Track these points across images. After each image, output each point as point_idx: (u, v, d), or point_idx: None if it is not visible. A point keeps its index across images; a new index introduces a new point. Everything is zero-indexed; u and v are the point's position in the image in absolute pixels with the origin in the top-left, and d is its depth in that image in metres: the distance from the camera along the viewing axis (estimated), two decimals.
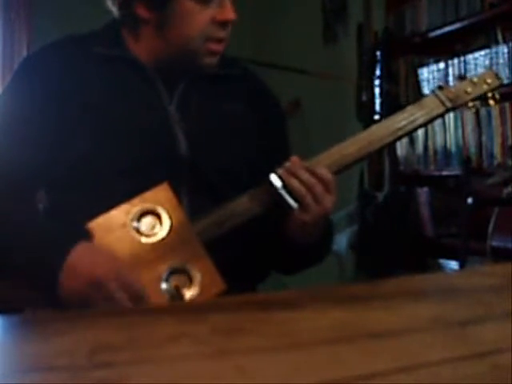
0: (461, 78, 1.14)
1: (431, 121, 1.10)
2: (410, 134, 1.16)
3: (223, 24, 1.07)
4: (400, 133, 1.07)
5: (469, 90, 1.11)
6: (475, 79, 1.13)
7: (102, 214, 0.97)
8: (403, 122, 1.07)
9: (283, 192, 1.00)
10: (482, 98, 1.14)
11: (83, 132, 1.04)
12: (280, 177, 1.01)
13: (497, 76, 1.14)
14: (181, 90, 1.10)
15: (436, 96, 1.09)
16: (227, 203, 1.02)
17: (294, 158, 1.03)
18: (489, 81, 1.13)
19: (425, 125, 1.10)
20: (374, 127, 1.08)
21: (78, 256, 0.92)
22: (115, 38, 1.11)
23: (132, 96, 1.08)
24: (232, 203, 1.03)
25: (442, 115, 1.10)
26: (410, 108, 1.09)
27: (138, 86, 1.09)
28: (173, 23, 1.05)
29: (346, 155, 1.05)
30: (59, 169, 1.05)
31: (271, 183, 1.01)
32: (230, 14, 1.06)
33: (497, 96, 1.14)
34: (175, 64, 1.10)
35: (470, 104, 1.12)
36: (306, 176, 0.99)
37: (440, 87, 1.11)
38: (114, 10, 1.10)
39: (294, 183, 0.99)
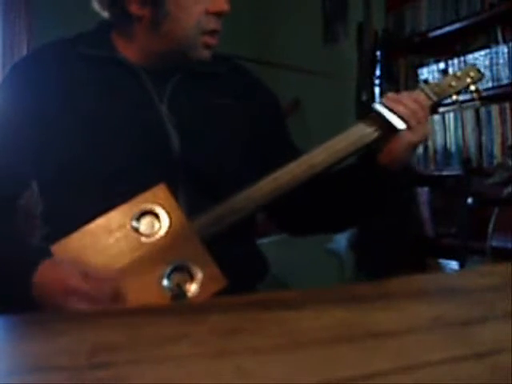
0: (444, 72, 1.17)
1: None
2: None
3: (216, 15, 1.07)
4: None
5: (453, 83, 1.15)
6: (458, 73, 1.18)
7: (98, 215, 0.97)
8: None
9: (391, 116, 1.06)
10: (468, 94, 1.18)
11: (75, 134, 1.04)
12: (384, 105, 1.08)
13: (479, 70, 1.19)
14: (171, 89, 1.10)
15: (422, 90, 1.12)
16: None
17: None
18: (471, 74, 1.17)
19: None
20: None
21: (42, 277, 0.91)
22: (104, 39, 1.11)
23: (123, 96, 1.08)
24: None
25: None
26: None
27: (129, 85, 1.09)
28: (168, 18, 1.05)
29: (340, 150, 1.07)
30: (53, 171, 1.05)
31: (376, 111, 1.08)
32: (223, 5, 1.07)
33: (480, 91, 1.18)
34: (169, 60, 1.10)
35: (454, 97, 1.16)
36: (410, 102, 1.07)
37: (425, 82, 1.15)
38: (104, 12, 1.09)
39: (400, 108, 1.06)
